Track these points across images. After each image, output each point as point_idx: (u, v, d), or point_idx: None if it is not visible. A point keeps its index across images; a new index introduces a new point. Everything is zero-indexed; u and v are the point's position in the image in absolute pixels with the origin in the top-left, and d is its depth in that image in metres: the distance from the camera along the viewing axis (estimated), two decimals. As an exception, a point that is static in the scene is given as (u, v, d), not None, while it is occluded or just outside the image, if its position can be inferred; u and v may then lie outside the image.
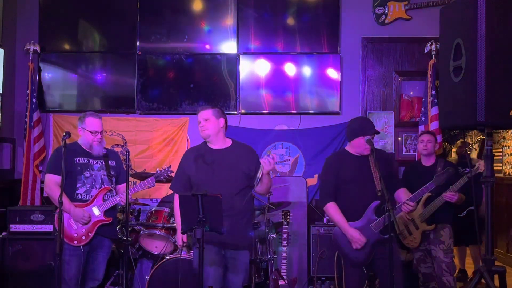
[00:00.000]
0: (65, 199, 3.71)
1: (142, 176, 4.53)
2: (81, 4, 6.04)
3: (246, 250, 3.60)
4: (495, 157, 7.31)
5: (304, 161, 5.77)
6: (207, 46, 5.93)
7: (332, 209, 3.71)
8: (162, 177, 4.16)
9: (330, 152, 5.54)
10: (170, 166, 4.19)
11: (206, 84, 5.86)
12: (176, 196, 3.50)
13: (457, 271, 5.58)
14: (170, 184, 3.76)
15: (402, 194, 3.84)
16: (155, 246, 4.68)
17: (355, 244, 3.62)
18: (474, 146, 7.93)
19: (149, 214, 4.77)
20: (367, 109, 5.82)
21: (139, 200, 5.28)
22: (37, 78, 5.90)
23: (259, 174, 3.25)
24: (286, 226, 4.73)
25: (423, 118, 5.49)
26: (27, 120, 5.62)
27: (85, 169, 3.93)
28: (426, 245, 4.53)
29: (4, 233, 4.58)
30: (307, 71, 5.83)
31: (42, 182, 5.50)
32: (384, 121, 5.80)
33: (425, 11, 5.78)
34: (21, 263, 4.49)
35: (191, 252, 4.08)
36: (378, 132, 3.76)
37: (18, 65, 5.98)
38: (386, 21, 5.82)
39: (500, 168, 7.35)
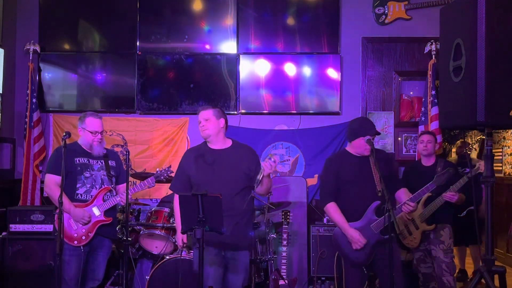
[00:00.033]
0: (65, 199, 3.70)
1: (142, 176, 4.54)
2: (81, 4, 6.04)
3: (246, 250, 3.59)
4: (495, 157, 7.31)
5: (304, 161, 5.77)
6: (207, 46, 5.93)
7: (332, 209, 3.71)
8: (162, 177, 4.16)
9: (330, 152, 5.55)
10: (170, 166, 4.19)
11: (206, 84, 5.86)
12: (176, 196, 3.50)
13: (457, 271, 5.58)
14: (170, 184, 3.75)
15: (403, 194, 3.84)
16: (155, 246, 4.68)
17: (355, 244, 3.62)
18: (474, 146, 7.93)
19: (149, 214, 4.77)
20: (367, 109, 5.82)
21: (139, 200, 5.28)
22: (37, 78, 5.91)
23: (259, 177, 3.24)
24: (286, 226, 4.73)
25: (423, 118, 5.49)
26: (27, 120, 5.63)
27: (85, 169, 3.93)
28: (426, 245, 4.53)
29: (4, 233, 4.59)
30: (307, 71, 5.83)
31: (42, 182, 5.50)
32: (384, 121, 5.80)
33: (425, 11, 5.78)
34: (21, 263, 4.49)
35: (191, 252, 4.08)
36: (378, 133, 3.76)
37: (18, 65, 5.98)
38: (386, 21, 5.82)
39: (500, 168, 7.35)
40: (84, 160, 3.95)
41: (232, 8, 5.85)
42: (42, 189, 5.56)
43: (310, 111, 5.82)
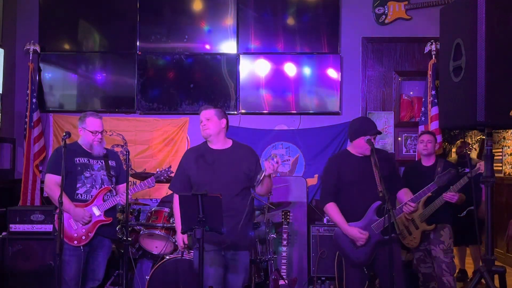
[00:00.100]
0: (66, 199, 3.70)
1: (142, 176, 4.54)
2: (81, 4, 6.04)
3: (246, 250, 3.59)
4: (495, 157, 7.31)
5: (304, 161, 5.77)
6: (207, 46, 5.93)
7: (332, 210, 3.71)
8: (162, 178, 4.16)
9: (330, 152, 5.55)
10: (170, 167, 4.19)
11: (206, 84, 5.86)
12: (176, 196, 3.50)
13: (457, 271, 5.58)
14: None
15: (404, 194, 3.84)
16: (155, 246, 4.68)
17: (358, 242, 3.61)
18: (474, 146, 7.93)
19: (149, 214, 4.77)
20: (367, 109, 5.82)
21: (139, 200, 5.28)
22: (37, 78, 5.91)
23: (260, 176, 3.25)
24: (286, 226, 4.73)
25: (423, 118, 5.49)
26: (27, 120, 5.63)
27: (85, 169, 3.93)
28: (426, 245, 4.52)
29: (4, 233, 4.59)
30: (307, 71, 5.83)
31: (42, 182, 5.50)
32: (384, 121, 5.80)
33: (425, 11, 5.78)
34: (21, 263, 4.49)
35: (191, 252, 4.08)
36: (380, 132, 3.75)
37: (18, 65, 5.98)
38: (386, 21, 5.82)
39: (500, 168, 7.35)
40: (84, 160, 3.95)
41: (232, 8, 5.85)
42: (42, 189, 5.56)
43: (310, 111, 5.82)
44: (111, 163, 4.05)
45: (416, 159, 5.23)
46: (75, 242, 3.83)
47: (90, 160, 3.97)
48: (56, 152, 3.96)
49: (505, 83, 2.44)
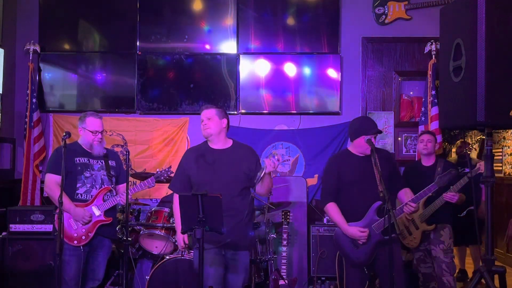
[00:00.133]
0: (66, 199, 3.70)
1: (142, 176, 4.54)
2: (81, 4, 6.04)
3: (247, 250, 3.59)
4: (495, 157, 7.31)
5: (304, 161, 5.76)
6: (207, 46, 5.93)
7: (332, 210, 3.71)
8: (162, 178, 4.16)
9: (330, 152, 5.55)
10: (170, 167, 4.19)
11: (206, 84, 5.86)
12: (176, 196, 3.50)
13: (457, 271, 5.58)
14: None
15: (405, 194, 3.83)
16: (155, 246, 4.68)
17: (360, 240, 3.61)
18: (474, 146, 7.93)
19: (149, 214, 4.77)
20: (367, 109, 5.82)
21: (139, 200, 5.28)
22: (37, 78, 5.91)
23: (260, 174, 3.25)
24: (286, 226, 4.74)
25: (423, 118, 5.49)
26: (27, 120, 5.63)
27: (85, 169, 3.93)
28: (426, 245, 4.53)
29: (4, 233, 4.59)
30: (307, 71, 5.83)
31: (42, 182, 5.50)
32: (384, 121, 5.80)
33: (425, 11, 5.78)
34: (21, 263, 4.50)
35: (191, 252, 4.08)
36: (380, 131, 3.74)
37: (18, 65, 5.98)
38: (386, 21, 5.82)
39: (500, 168, 7.35)
40: (84, 160, 3.95)
41: (232, 8, 5.86)
42: (42, 189, 5.56)
43: (310, 111, 5.82)
44: (111, 163, 4.05)
45: (416, 159, 5.23)
46: (75, 242, 3.83)
47: (90, 160, 3.97)
48: (56, 152, 3.96)
49: (505, 83, 2.44)
